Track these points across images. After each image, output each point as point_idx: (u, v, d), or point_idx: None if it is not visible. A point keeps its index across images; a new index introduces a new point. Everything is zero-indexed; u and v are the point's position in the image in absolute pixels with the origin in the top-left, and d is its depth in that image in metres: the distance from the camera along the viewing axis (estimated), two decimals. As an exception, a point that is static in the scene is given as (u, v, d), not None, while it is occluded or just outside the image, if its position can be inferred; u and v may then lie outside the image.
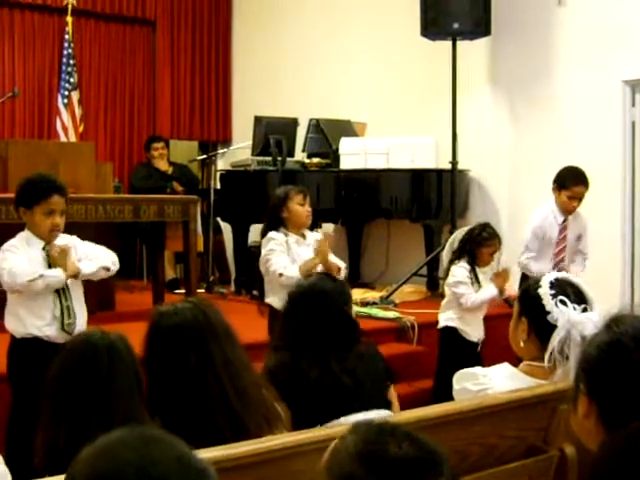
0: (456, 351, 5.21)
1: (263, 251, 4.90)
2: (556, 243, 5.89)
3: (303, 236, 4.98)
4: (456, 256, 5.37)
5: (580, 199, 5.82)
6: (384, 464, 1.39)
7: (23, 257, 4.03)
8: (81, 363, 2.44)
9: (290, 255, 4.86)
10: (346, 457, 1.44)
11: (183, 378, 2.47)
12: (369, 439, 1.44)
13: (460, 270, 5.27)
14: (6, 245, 4.09)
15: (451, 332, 5.31)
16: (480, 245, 5.30)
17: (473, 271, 5.28)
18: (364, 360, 3.23)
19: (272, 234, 4.90)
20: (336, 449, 1.47)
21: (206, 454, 1.81)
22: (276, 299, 4.86)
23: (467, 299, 5.21)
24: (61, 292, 4.07)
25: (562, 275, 2.76)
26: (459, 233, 5.56)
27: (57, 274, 4.01)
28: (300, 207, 4.93)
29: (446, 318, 5.35)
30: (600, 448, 1.58)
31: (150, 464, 1.18)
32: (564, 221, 5.88)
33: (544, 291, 2.62)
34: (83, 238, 4.36)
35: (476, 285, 5.26)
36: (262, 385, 2.62)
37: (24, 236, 4.11)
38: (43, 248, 4.08)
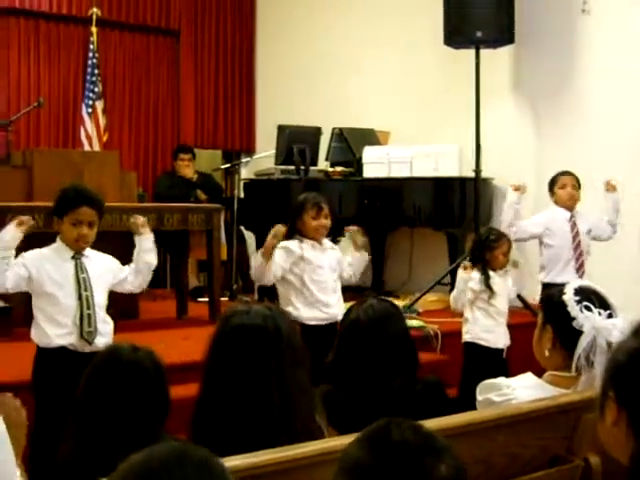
0: (480, 363, 5.20)
1: None
2: (572, 238, 6.02)
3: (320, 242, 5.00)
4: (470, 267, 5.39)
5: (574, 187, 6.05)
6: (386, 447, 1.45)
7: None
8: (103, 379, 2.44)
9: (302, 260, 4.90)
10: (352, 444, 1.51)
11: (234, 383, 2.38)
12: (375, 428, 1.52)
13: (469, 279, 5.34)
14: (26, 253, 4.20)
15: (474, 346, 5.33)
16: (491, 249, 5.31)
17: (486, 278, 5.27)
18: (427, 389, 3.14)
19: (285, 243, 4.91)
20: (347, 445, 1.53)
21: (229, 463, 1.81)
22: (290, 309, 4.87)
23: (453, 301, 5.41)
24: (84, 300, 4.11)
25: (585, 283, 2.75)
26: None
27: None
28: (312, 221, 4.91)
29: (467, 331, 5.37)
30: (632, 460, 1.56)
31: None
32: (571, 217, 6.05)
33: (569, 297, 2.60)
34: (108, 247, 4.41)
35: (488, 292, 5.27)
36: (315, 411, 2.51)
37: (55, 246, 4.20)
38: (72, 257, 4.16)
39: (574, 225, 6.04)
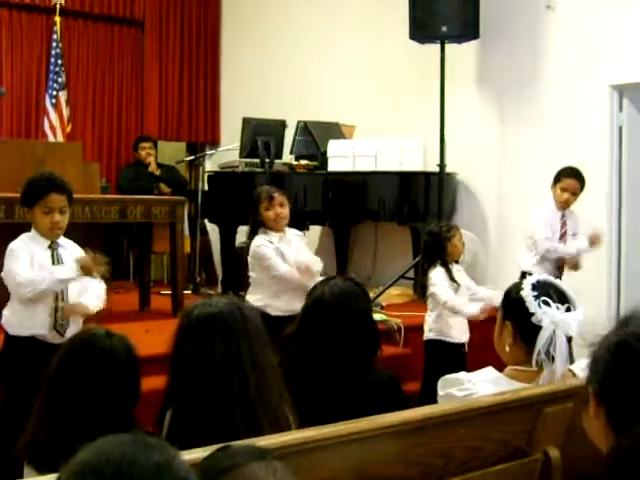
0: (442, 358, 5.22)
1: (250, 256, 5.01)
2: (560, 237, 6.06)
3: (284, 233, 5.07)
4: (428, 264, 5.39)
5: (574, 194, 6.02)
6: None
7: (26, 259, 4.05)
8: (77, 362, 2.45)
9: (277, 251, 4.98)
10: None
11: (207, 368, 2.43)
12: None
13: (436, 274, 5.30)
14: (12, 244, 4.11)
15: (435, 343, 5.35)
16: (447, 239, 5.36)
17: (449, 271, 5.31)
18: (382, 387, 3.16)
19: (259, 241, 4.98)
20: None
21: (188, 456, 1.81)
22: (254, 297, 4.90)
23: (448, 298, 5.20)
24: (58, 293, 4.08)
25: (543, 277, 2.77)
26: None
27: (67, 276, 4.04)
28: (266, 212, 4.96)
29: (429, 329, 5.39)
30: (611, 452, 1.58)
31: (127, 464, 1.22)
32: (563, 216, 6.08)
33: (527, 293, 2.61)
34: (70, 239, 4.36)
35: (455, 284, 5.29)
36: (283, 391, 2.57)
37: (30, 235, 4.14)
38: (49, 247, 4.12)
39: (564, 224, 6.08)
